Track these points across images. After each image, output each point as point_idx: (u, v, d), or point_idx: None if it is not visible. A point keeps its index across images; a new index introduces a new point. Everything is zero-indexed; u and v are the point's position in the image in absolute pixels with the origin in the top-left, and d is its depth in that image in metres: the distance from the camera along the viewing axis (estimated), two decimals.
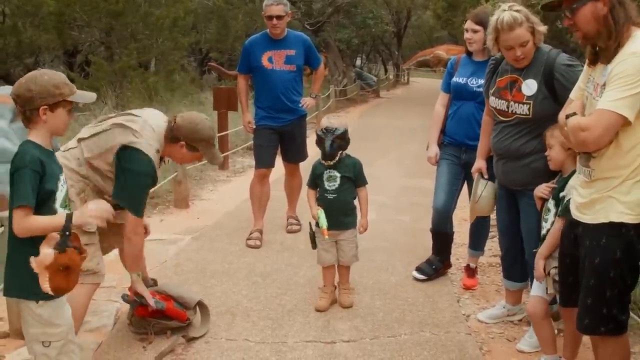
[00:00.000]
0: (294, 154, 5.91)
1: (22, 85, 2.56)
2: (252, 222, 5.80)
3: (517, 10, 3.43)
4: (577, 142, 2.58)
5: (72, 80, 2.84)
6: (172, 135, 3.56)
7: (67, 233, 2.48)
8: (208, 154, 3.67)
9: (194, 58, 26.66)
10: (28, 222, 2.47)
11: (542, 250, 3.21)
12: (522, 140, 3.54)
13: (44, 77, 2.58)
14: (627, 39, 2.52)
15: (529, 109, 3.48)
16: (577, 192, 2.76)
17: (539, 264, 3.21)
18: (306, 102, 5.71)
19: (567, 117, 2.66)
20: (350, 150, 4.28)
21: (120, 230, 3.59)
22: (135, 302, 3.72)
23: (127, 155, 3.36)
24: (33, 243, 2.51)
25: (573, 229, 2.81)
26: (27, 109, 2.56)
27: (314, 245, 4.20)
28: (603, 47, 2.59)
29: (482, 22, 4.18)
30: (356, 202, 4.29)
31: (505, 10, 3.43)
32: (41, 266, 2.48)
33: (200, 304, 3.92)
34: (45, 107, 2.55)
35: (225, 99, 9.21)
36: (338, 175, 4.17)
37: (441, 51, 33.13)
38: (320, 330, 3.91)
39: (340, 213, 4.19)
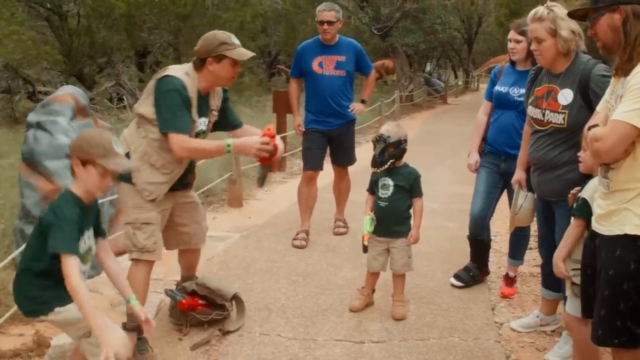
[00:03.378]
0: (342, 158, 6.01)
1: (78, 142, 2.81)
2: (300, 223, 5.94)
3: (550, 9, 3.45)
4: (592, 152, 2.59)
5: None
6: (198, 61, 3.59)
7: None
8: (234, 53, 3.54)
9: (263, 60, 27.17)
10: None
11: (557, 252, 3.17)
12: (557, 150, 3.53)
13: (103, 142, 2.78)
14: None
15: (564, 119, 3.47)
16: (596, 204, 2.76)
17: (557, 264, 3.16)
18: (355, 107, 5.79)
19: (589, 128, 2.68)
20: (408, 156, 4.25)
21: (182, 229, 3.92)
22: (177, 295, 3.92)
23: (158, 84, 3.51)
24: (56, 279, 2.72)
25: (593, 240, 2.81)
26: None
27: (364, 249, 4.20)
28: (619, 59, 2.60)
29: (524, 32, 4.18)
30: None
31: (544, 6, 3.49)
32: None
33: (236, 299, 4.07)
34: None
35: (284, 101, 9.37)
36: (391, 183, 4.17)
37: None
38: (351, 330, 4.00)
39: (392, 221, 4.20)
